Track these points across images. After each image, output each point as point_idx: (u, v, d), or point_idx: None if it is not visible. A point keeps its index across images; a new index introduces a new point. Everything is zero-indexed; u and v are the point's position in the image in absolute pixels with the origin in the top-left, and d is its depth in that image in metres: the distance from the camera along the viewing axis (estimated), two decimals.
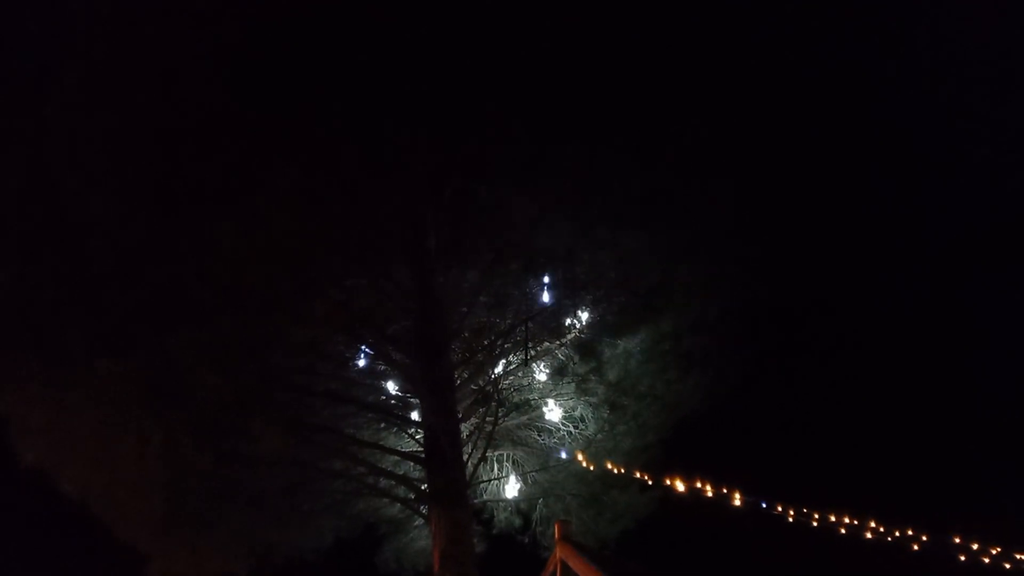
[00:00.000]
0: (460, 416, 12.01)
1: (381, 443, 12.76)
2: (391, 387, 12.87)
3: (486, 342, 12.41)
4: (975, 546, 11.90)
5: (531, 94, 10.85)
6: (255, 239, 9.30)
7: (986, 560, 11.82)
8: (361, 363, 12.56)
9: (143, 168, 9.62)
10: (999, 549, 12.31)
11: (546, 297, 12.25)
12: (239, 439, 10.38)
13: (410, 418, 12.52)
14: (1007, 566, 11.63)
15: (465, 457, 11.95)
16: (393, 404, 12.87)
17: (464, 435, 12.23)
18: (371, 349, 12.20)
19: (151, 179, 9.60)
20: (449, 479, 11.39)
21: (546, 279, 12.14)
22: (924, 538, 11.92)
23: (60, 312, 9.90)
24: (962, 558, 11.75)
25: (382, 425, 13.06)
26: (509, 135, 10.88)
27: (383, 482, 12.57)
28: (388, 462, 12.73)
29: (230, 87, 9.46)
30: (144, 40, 9.76)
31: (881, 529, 12.06)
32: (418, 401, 12.26)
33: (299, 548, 13.41)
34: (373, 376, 12.75)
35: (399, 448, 12.69)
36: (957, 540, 11.81)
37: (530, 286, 12.14)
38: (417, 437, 12.35)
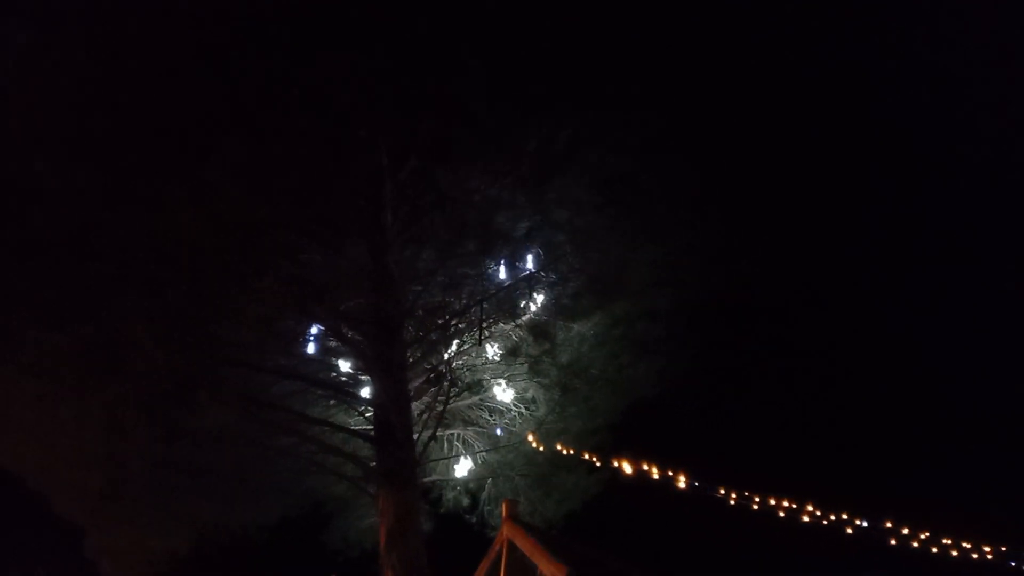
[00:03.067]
0: (411, 395, 11.97)
1: (331, 420, 12.64)
2: (343, 364, 12.74)
3: (440, 321, 12.38)
4: (905, 531, 12.46)
5: (494, 74, 10.76)
6: (207, 210, 9.04)
7: (915, 544, 12.37)
8: (313, 340, 12.38)
9: (92, 135, 9.23)
10: (927, 534, 12.91)
11: (502, 278, 12.25)
12: (183, 414, 10.15)
13: (361, 396, 12.44)
14: (934, 550, 12.20)
15: (415, 436, 11.93)
16: (344, 382, 12.76)
17: (415, 414, 12.21)
18: (324, 326, 12.03)
19: (100, 147, 9.22)
20: (398, 458, 11.36)
21: (503, 260, 12.13)
22: (857, 522, 12.43)
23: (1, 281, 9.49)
24: (893, 542, 12.29)
25: (332, 402, 12.95)
26: (470, 114, 10.79)
27: (332, 460, 12.46)
28: (337, 440, 12.62)
29: (185, 56, 9.15)
30: (96, 7, 9.35)
31: (818, 513, 12.52)
32: (370, 379, 12.17)
33: (244, 525, 13.26)
34: (325, 353, 12.58)
35: (349, 426, 12.60)
36: (889, 525, 12.35)
37: (486, 267, 12.13)
38: (367, 415, 12.28)
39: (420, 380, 12.39)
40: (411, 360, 12.23)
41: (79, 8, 9.35)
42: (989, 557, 12.60)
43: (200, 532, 12.12)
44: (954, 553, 12.11)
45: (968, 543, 12.19)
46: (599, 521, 15.17)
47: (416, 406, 12.32)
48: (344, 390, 12.59)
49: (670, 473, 13.01)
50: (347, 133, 10.26)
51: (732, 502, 12.73)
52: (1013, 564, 11.88)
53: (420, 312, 12.57)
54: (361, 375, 12.56)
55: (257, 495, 12.91)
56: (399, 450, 11.49)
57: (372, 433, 12.01)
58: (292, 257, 11.36)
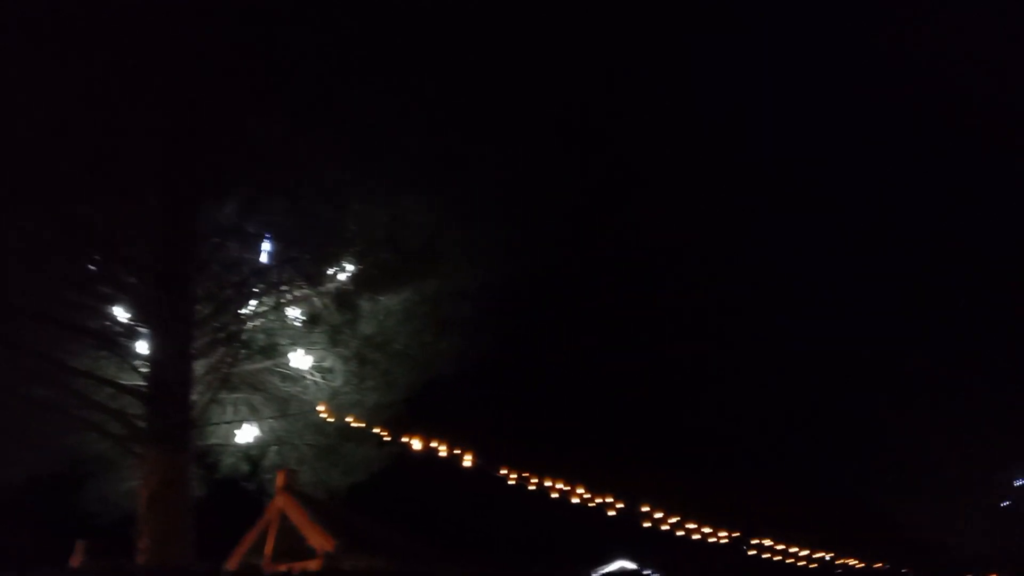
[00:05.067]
0: (195, 353, 11.18)
1: (98, 373, 11.49)
2: (119, 313, 11.59)
3: (237, 279, 11.67)
4: (659, 514, 13.81)
5: (325, 28, 10.31)
6: None
7: (665, 527, 13.77)
8: (85, 283, 11.15)
9: None
10: (679, 517, 14.40)
11: (310, 242, 11.77)
12: None
13: (136, 350, 11.41)
14: (679, 533, 13.65)
15: (195, 397, 11.19)
16: (118, 332, 11.61)
17: (198, 373, 11.43)
18: (98, 268, 10.88)
19: None
20: (172, 419, 10.60)
21: (312, 224, 11.65)
22: (620, 505, 13.60)
23: None
24: (646, 524, 13.61)
25: (103, 353, 11.76)
26: (293, 69, 10.25)
27: (96, 416, 11.36)
28: (104, 395, 11.50)
29: None
30: None
31: (588, 495, 13.52)
32: (149, 332, 11.20)
33: None
34: (98, 299, 11.39)
35: (119, 380, 11.51)
36: (645, 509, 13.66)
37: (294, 228, 11.58)
38: (142, 371, 11.30)
39: (208, 338, 11.59)
40: (199, 316, 11.42)
41: None
42: (726, 540, 14.35)
43: None
44: (696, 537, 13.66)
45: (709, 527, 13.80)
46: (385, 494, 15.23)
47: (199, 365, 11.52)
48: (117, 341, 11.47)
49: (458, 451, 13.40)
50: (149, 72, 9.33)
51: (512, 481, 13.42)
52: (739, 548, 13.62)
53: (216, 267, 11.75)
54: (140, 326, 11.50)
55: (2, 449, 11.48)
56: (174, 410, 10.74)
57: (145, 390, 11.08)
58: (75, 192, 10.13)
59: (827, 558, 13.93)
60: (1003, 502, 18.78)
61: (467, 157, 11.94)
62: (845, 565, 13.82)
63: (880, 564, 13.75)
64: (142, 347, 11.43)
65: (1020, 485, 18.73)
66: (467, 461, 13.07)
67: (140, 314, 11.36)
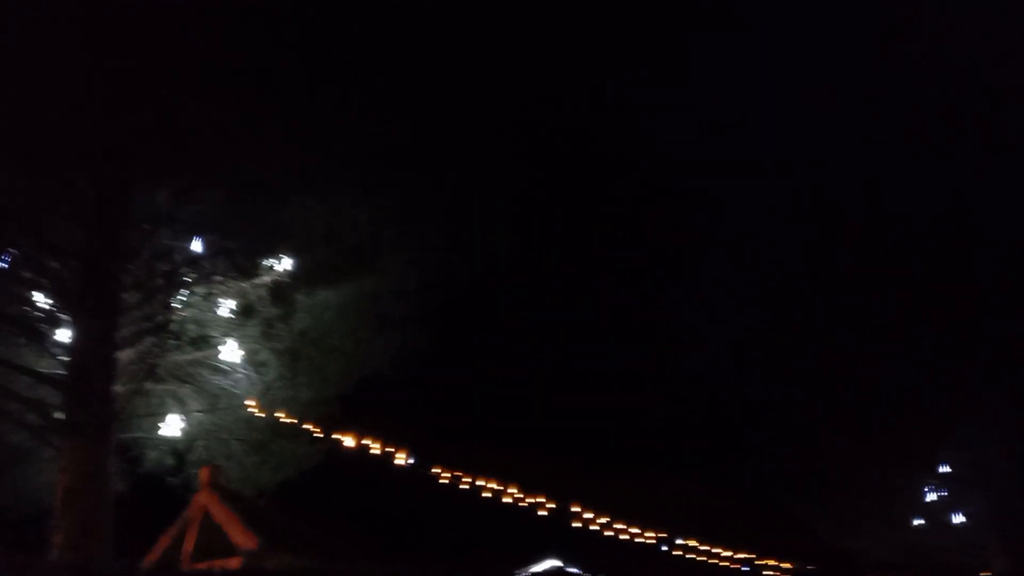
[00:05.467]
0: (120, 342, 10.84)
1: (15, 361, 11.03)
2: (39, 298, 11.15)
3: (168, 268, 11.37)
4: (589, 515, 14.07)
5: (269, 15, 10.16)
6: None
7: (594, 527, 14.04)
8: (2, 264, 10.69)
9: None
10: (607, 518, 14.70)
11: (245, 234, 11.55)
12: None
13: (56, 338, 11.01)
14: (607, 533, 13.94)
15: (118, 388, 10.85)
16: (38, 318, 11.17)
17: (122, 364, 11.09)
18: (19, 251, 10.45)
19: None
20: (93, 410, 10.25)
21: (248, 216, 11.44)
22: (551, 505, 13.82)
23: None
24: (576, 524, 13.86)
25: (21, 341, 11.29)
26: (233, 49, 10.05)
27: (11, 405, 10.90)
28: (21, 384, 11.05)
29: None
30: None
31: (518, 495, 13.68)
32: (71, 319, 10.82)
33: None
34: (18, 283, 10.94)
35: (37, 369, 11.07)
36: (575, 509, 13.91)
37: (229, 218, 11.34)
38: (62, 359, 10.90)
39: (134, 328, 11.27)
40: (126, 304, 11.08)
41: None
42: (653, 541, 14.72)
43: None
44: (624, 537, 13.97)
45: (637, 528, 14.14)
46: (317, 492, 15.03)
47: (124, 355, 11.18)
48: (36, 328, 11.04)
49: (390, 449, 13.36)
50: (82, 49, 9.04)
51: (445, 480, 13.46)
52: (664, 548, 14.01)
53: (146, 254, 11.43)
54: (61, 313, 11.10)
55: None
56: (95, 402, 10.39)
57: (65, 379, 10.70)
58: None
59: (747, 559, 14.42)
60: (915, 518, 19.78)
61: (414, 156, 11.92)
62: (764, 565, 14.32)
63: (792, 565, 14.32)
64: (63, 335, 11.04)
65: (929, 501, 19.77)
66: (400, 459, 13.04)
67: (63, 301, 10.97)
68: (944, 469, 19.81)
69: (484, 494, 12.88)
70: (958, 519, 19.45)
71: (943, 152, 19.08)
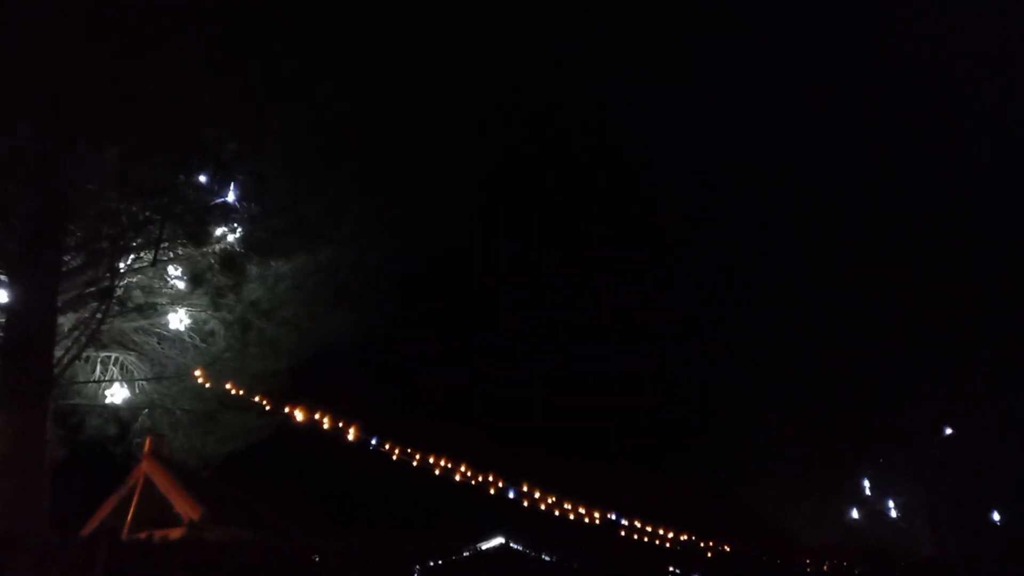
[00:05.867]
0: (62, 306, 10.47)
1: None
2: None
3: (113, 231, 10.98)
4: (537, 494, 14.19)
5: None
6: None
7: (543, 507, 14.16)
8: None
9: None
10: (555, 497, 14.84)
11: (196, 198, 11.21)
12: None
13: None
14: (556, 512, 14.07)
15: (59, 353, 10.49)
16: None
17: (64, 328, 10.72)
18: None
19: None
20: (30, 375, 9.88)
21: (202, 179, 11.10)
22: (500, 483, 13.88)
23: None
24: (524, 503, 13.95)
25: None
26: (189, 10, 9.69)
27: None
28: None
29: None
30: None
31: (468, 473, 13.70)
32: (9, 280, 10.39)
33: None
34: None
35: None
36: (525, 488, 14.00)
37: (180, 182, 10.98)
38: (0, 322, 10.48)
39: (76, 292, 10.89)
40: (69, 267, 10.69)
41: None
42: (598, 521, 14.91)
43: None
44: (572, 516, 14.12)
45: (583, 509, 14.30)
46: (265, 465, 14.86)
47: (66, 320, 10.81)
48: None
49: (341, 424, 13.23)
50: None
51: (395, 457, 13.39)
52: (608, 529, 14.21)
53: (91, 215, 11.01)
54: (0, 275, 10.66)
55: None
56: (33, 366, 10.00)
57: (2, 343, 10.28)
58: None
59: (690, 540, 14.75)
60: (852, 507, 20.53)
61: (378, 130, 11.69)
62: (706, 546, 14.68)
63: (732, 547, 14.71)
64: (1, 296, 10.61)
65: (868, 494, 20.53)
66: (350, 435, 12.93)
67: (1, 260, 10.53)
68: (880, 461, 20.59)
69: (435, 471, 12.86)
70: (892, 511, 20.29)
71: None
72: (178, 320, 12.30)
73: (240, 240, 12.02)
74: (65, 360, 10.50)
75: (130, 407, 12.72)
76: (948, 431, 19.77)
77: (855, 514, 20.56)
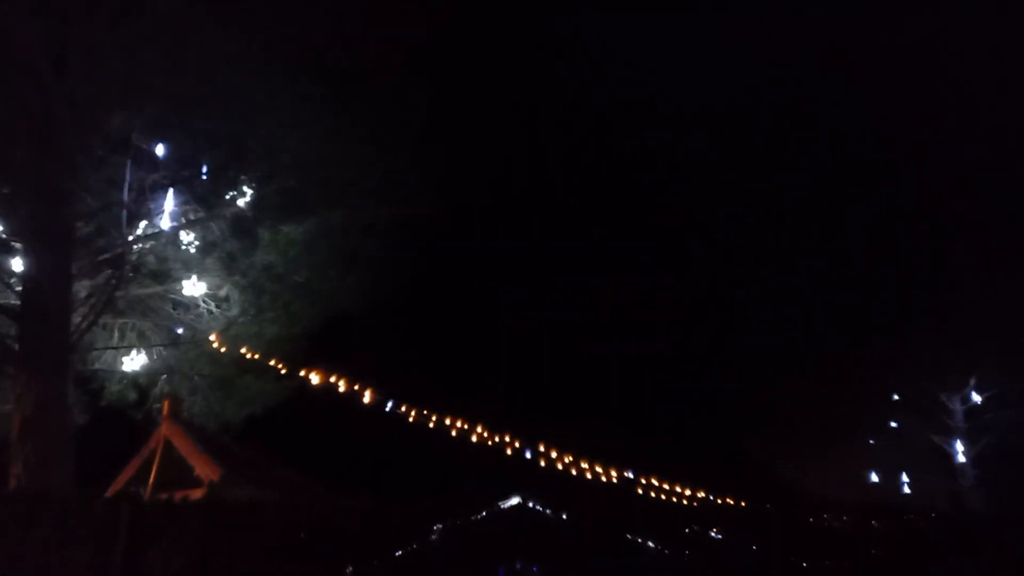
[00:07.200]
0: (76, 273, 10.49)
1: None
2: None
3: (125, 197, 10.94)
4: (554, 454, 14.24)
5: None
6: None
7: (560, 467, 14.24)
8: None
9: None
10: (572, 457, 14.92)
11: (207, 161, 11.12)
12: None
13: (11, 267, 10.62)
14: (573, 472, 14.14)
15: (78, 320, 10.55)
16: None
17: (80, 295, 10.77)
18: None
19: None
20: (48, 341, 9.95)
21: (210, 142, 10.98)
22: (517, 444, 13.95)
23: None
24: (542, 463, 14.05)
25: None
26: None
27: None
28: None
29: None
30: None
31: (485, 434, 13.77)
32: (23, 248, 10.41)
33: None
34: None
35: None
36: (541, 448, 14.07)
37: (189, 144, 10.88)
38: (16, 288, 10.54)
39: (91, 259, 10.91)
40: (82, 234, 10.69)
41: None
42: (615, 480, 15.00)
43: None
44: (588, 476, 14.20)
45: (600, 467, 14.38)
46: (282, 428, 14.99)
47: (82, 287, 10.85)
48: None
49: (357, 387, 13.29)
50: None
51: (411, 419, 13.47)
52: (625, 487, 14.31)
53: (102, 181, 10.96)
54: (13, 241, 10.68)
55: None
56: (51, 333, 10.07)
57: (19, 309, 10.35)
58: None
59: (707, 498, 14.82)
60: (869, 471, 20.54)
61: (392, 87, 11.45)
62: (721, 503, 14.74)
63: (748, 503, 14.77)
64: (17, 264, 10.65)
65: (873, 444, 20.52)
66: (367, 398, 12.98)
67: (15, 228, 10.54)
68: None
69: (452, 433, 12.92)
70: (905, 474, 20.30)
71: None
72: (192, 286, 12.29)
73: (250, 204, 11.94)
74: (83, 326, 10.57)
75: (148, 373, 12.81)
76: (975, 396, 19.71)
77: (874, 477, 20.55)
